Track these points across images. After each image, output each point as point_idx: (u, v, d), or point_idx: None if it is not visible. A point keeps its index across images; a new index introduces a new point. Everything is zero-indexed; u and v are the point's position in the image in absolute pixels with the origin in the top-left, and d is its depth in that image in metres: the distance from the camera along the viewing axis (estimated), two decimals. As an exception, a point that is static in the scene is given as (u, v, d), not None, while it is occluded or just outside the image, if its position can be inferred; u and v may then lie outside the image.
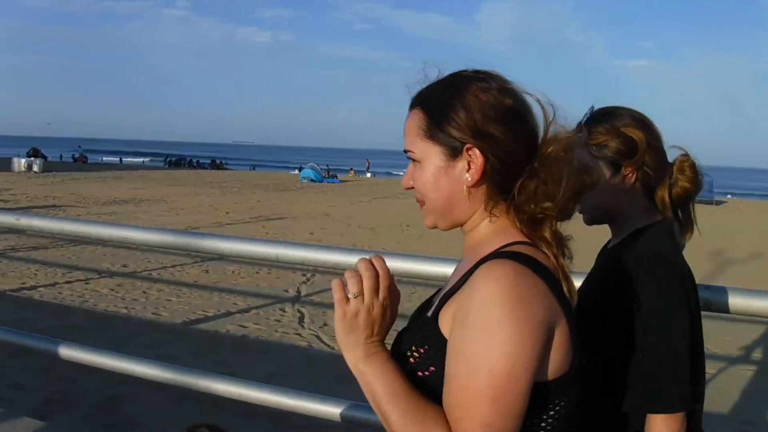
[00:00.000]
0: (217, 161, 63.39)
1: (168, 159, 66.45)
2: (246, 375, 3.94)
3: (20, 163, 38.81)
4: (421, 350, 1.10)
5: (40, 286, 8.87)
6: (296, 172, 64.49)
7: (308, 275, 10.38)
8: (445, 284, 1.25)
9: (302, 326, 7.64)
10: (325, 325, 7.70)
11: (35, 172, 36.91)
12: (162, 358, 5.70)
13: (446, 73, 1.16)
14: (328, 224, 17.31)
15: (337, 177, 42.14)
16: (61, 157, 57.61)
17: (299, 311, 8.29)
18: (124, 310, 7.86)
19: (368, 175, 60.85)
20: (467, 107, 1.09)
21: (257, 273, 10.44)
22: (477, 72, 1.15)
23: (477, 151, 1.09)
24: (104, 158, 75.42)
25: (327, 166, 44.59)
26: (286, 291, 9.38)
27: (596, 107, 1.59)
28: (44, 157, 46.29)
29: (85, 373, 5.58)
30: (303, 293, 9.30)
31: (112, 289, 8.88)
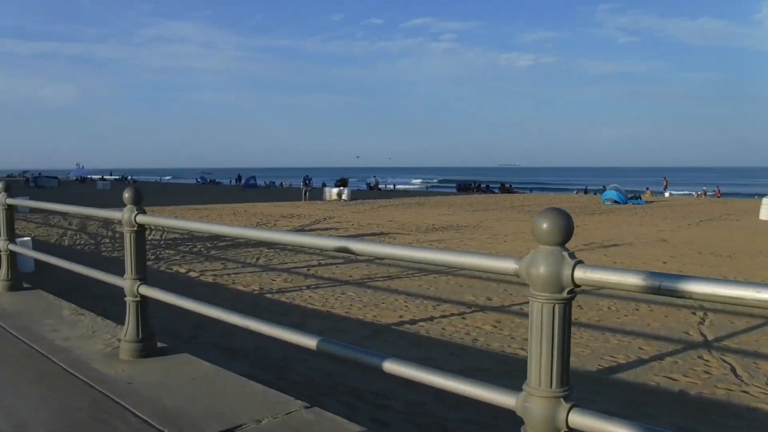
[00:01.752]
0: (506, 185, 63.52)
1: (458, 184, 68.36)
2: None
3: (331, 192, 42.48)
4: None
5: (420, 321, 8.67)
6: (575, 193, 62.10)
7: (698, 313, 8.90)
8: None
9: (743, 382, 6.26)
10: (772, 381, 6.24)
11: (344, 200, 40.01)
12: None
13: None
14: (673, 251, 15.42)
15: (641, 198, 38.99)
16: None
17: (724, 361, 6.89)
18: (522, 352, 7.20)
19: (666, 194, 56.09)
20: None
21: (637, 310, 9.23)
22: None
23: None
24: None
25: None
26: (687, 333, 8.02)
27: None
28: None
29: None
30: (710, 337, 7.85)
31: (494, 326, 8.34)
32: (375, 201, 39.41)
